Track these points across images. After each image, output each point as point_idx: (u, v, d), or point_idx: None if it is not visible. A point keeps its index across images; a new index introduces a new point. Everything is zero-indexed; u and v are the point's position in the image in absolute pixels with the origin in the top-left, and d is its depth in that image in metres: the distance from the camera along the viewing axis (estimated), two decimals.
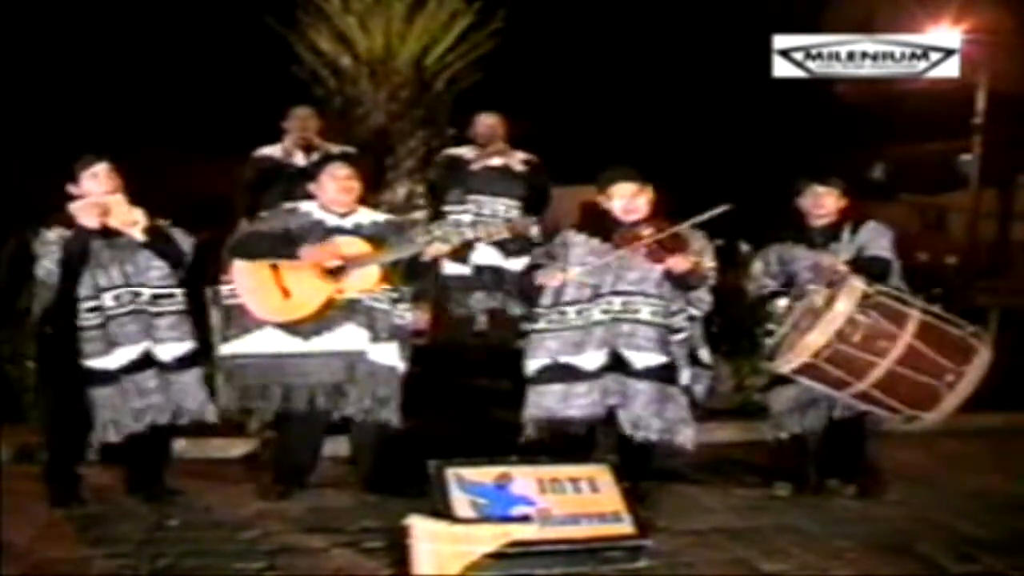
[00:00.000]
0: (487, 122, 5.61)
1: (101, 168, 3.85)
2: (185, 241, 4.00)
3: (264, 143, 5.62)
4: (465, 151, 5.64)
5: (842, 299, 3.71)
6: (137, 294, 3.83)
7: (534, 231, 5.43)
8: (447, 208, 5.47)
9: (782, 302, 4.23)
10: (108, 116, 12.84)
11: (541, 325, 4.13)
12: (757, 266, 4.40)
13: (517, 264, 5.37)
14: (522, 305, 5.31)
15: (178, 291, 3.94)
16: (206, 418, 4.00)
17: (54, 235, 3.76)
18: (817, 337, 3.71)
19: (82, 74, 14.40)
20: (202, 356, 4.05)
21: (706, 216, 3.99)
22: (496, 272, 5.46)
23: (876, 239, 4.22)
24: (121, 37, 14.26)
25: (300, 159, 5.42)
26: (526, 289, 4.32)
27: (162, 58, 14.62)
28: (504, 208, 5.39)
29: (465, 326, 5.62)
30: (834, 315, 3.69)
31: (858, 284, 3.76)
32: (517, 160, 5.51)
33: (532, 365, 4.12)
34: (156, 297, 3.87)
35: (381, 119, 7.07)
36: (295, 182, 4.96)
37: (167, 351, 3.88)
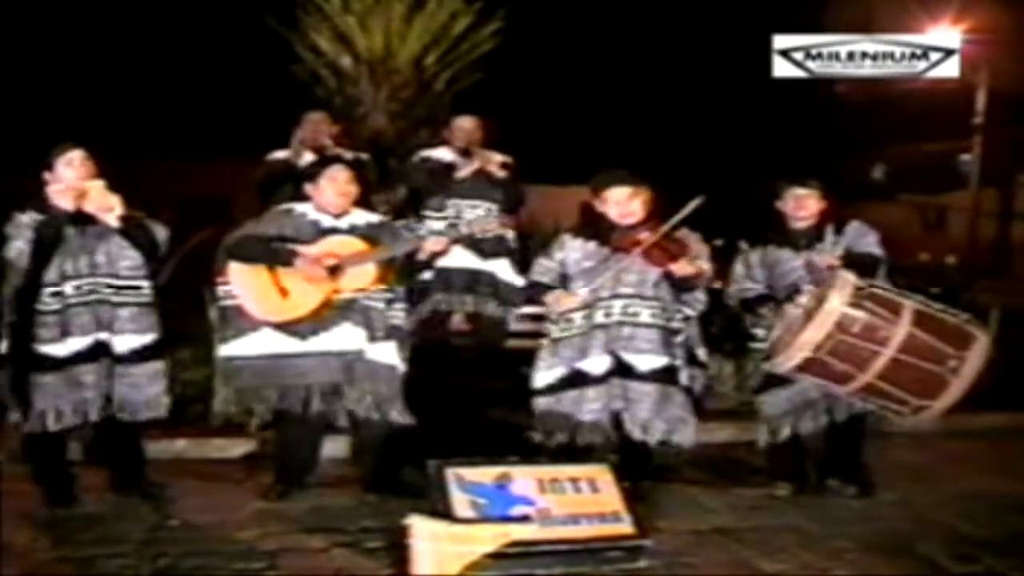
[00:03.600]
0: (464, 126, 5.61)
1: (76, 155, 3.84)
2: (160, 232, 3.98)
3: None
4: (443, 154, 5.63)
5: (834, 293, 3.71)
6: (102, 285, 3.81)
7: (510, 233, 5.48)
8: (427, 212, 5.50)
9: (779, 305, 4.22)
10: (106, 117, 12.82)
11: (554, 335, 4.12)
12: (738, 269, 4.39)
13: (493, 266, 5.42)
14: (501, 306, 5.37)
15: (145, 283, 3.91)
16: (157, 414, 3.93)
17: (27, 218, 3.75)
18: (815, 331, 3.70)
19: (80, 75, 14.39)
20: (163, 350, 3.98)
21: (686, 212, 3.94)
22: (471, 274, 5.48)
23: (863, 238, 4.21)
24: (119, 37, 14.25)
25: (312, 161, 5.43)
26: (534, 303, 4.33)
27: (161, 58, 14.61)
28: (484, 211, 5.40)
29: (436, 326, 5.62)
30: (829, 309, 3.69)
31: (849, 277, 3.76)
32: (495, 163, 5.53)
33: (550, 376, 4.10)
34: (121, 288, 3.85)
35: (381, 119, 7.08)
36: (302, 184, 4.99)
37: (124, 343, 3.84)
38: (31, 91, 13.80)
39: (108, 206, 3.79)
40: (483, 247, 5.36)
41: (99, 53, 14.16)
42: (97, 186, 3.80)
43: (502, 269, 5.45)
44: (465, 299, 5.52)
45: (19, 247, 3.73)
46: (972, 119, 17.26)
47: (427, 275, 5.42)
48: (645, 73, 17.12)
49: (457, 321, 5.68)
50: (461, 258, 5.39)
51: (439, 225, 5.30)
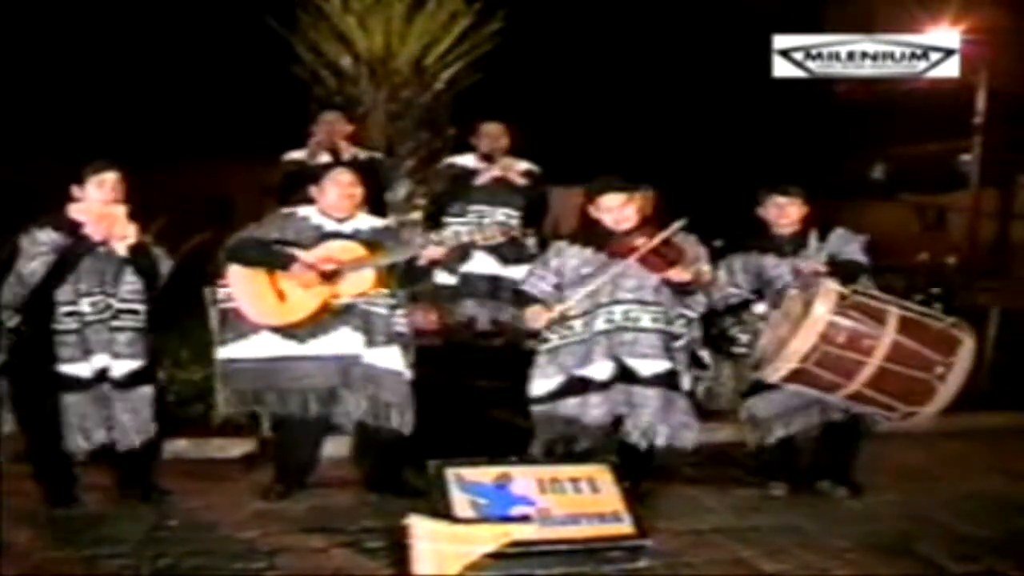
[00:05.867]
0: (490, 131, 5.61)
1: (110, 177, 3.83)
2: (164, 263, 3.98)
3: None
4: (468, 160, 5.64)
5: (819, 303, 3.72)
6: (108, 304, 3.81)
7: (531, 241, 5.48)
8: (449, 219, 5.50)
9: (759, 308, 4.23)
10: (105, 118, 12.83)
11: (552, 343, 4.09)
12: (720, 275, 4.36)
13: (514, 272, 5.40)
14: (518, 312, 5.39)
15: (141, 308, 3.90)
16: (148, 437, 3.89)
17: (46, 236, 3.74)
18: (801, 342, 3.71)
19: (78, 75, 14.39)
20: (153, 376, 3.97)
21: (671, 231, 3.90)
22: (492, 280, 5.48)
23: (847, 245, 4.22)
24: (118, 38, 14.25)
25: (325, 162, 5.41)
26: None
27: (160, 59, 14.61)
28: (504, 218, 5.41)
29: (464, 329, 5.64)
30: (814, 319, 3.70)
31: (833, 286, 3.77)
32: (518, 171, 5.53)
33: (547, 385, 4.06)
34: (120, 312, 3.84)
35: (381, 119, 7.08)
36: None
37: (121, 367, 3.82)
38: (31, 92, 13.80)
39: (123, 235, 3.78)
40: (504, 253, 5.36)
41: (97, 53, 14.15)
42: (119, 213, 3.79)
43: (522, 276, 5.46)
44: (487, 305, 5.54)
45: (33, 267, 3.70)
46: (972, 119, 17.23)
47: (452, 280, 5.44)
48: (645, 73, 17.11)
49: (483, 323, 5.69)
50: (484, 264, 5.41)
51: (461, 230, 5.30)
